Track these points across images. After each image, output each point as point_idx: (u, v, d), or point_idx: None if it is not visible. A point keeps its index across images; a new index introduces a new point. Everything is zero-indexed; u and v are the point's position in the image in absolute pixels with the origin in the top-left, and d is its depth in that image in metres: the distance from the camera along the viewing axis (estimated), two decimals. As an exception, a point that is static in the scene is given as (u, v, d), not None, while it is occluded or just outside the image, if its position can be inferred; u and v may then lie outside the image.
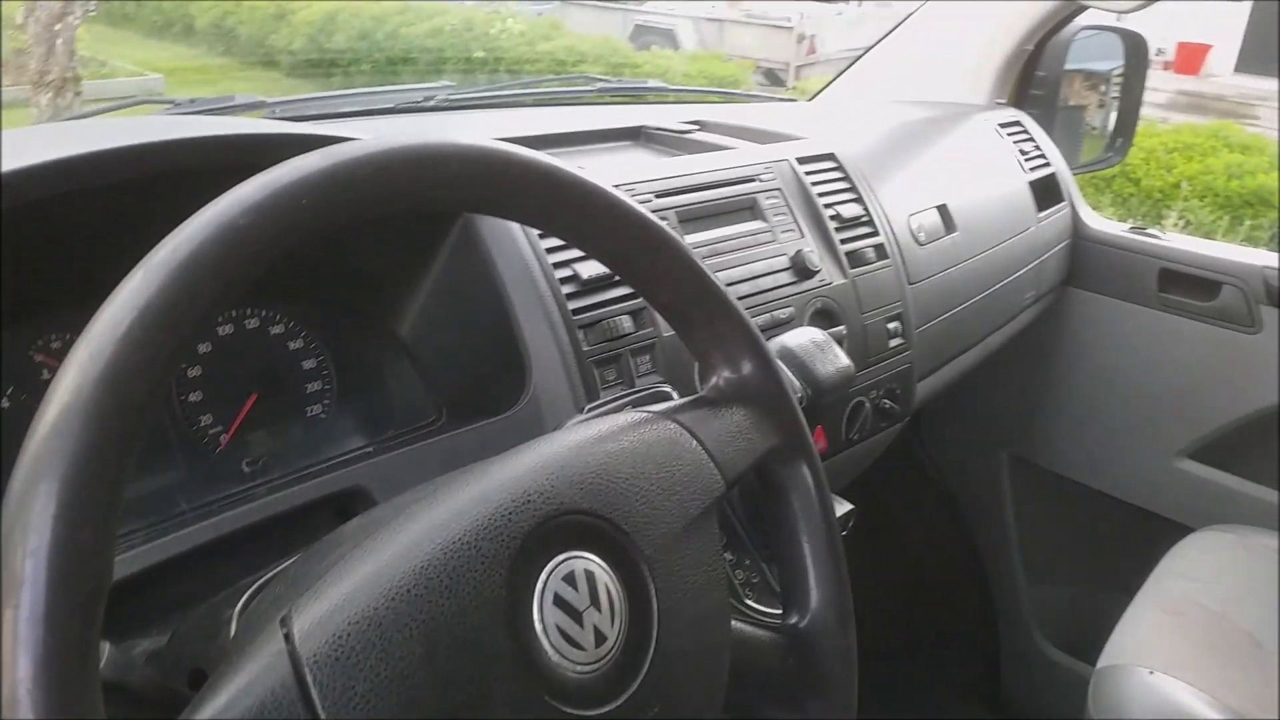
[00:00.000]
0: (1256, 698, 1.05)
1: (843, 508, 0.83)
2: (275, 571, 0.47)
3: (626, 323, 0.81)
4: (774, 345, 0.73)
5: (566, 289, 0.79)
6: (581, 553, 0.44)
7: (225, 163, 0.64)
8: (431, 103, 1.20)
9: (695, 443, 0.52)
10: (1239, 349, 1.47)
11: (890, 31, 1.67)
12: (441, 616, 0.39)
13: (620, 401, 0.68)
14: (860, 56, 1.68)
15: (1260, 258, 1.47)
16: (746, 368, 0.56)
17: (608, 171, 0.93)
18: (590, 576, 0.44)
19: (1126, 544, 1.43)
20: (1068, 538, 1.75)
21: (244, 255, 0.37)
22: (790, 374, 0.71)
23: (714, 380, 0.56)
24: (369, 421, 0.79)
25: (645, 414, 0.54)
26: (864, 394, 1.05)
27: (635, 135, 1.19)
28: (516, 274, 0.77)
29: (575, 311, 0.79)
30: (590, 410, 0.68)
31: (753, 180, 1.02)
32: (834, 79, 1.70)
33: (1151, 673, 1.04)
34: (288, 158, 0.40)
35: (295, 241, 0.38)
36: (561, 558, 0.44)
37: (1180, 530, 1.37)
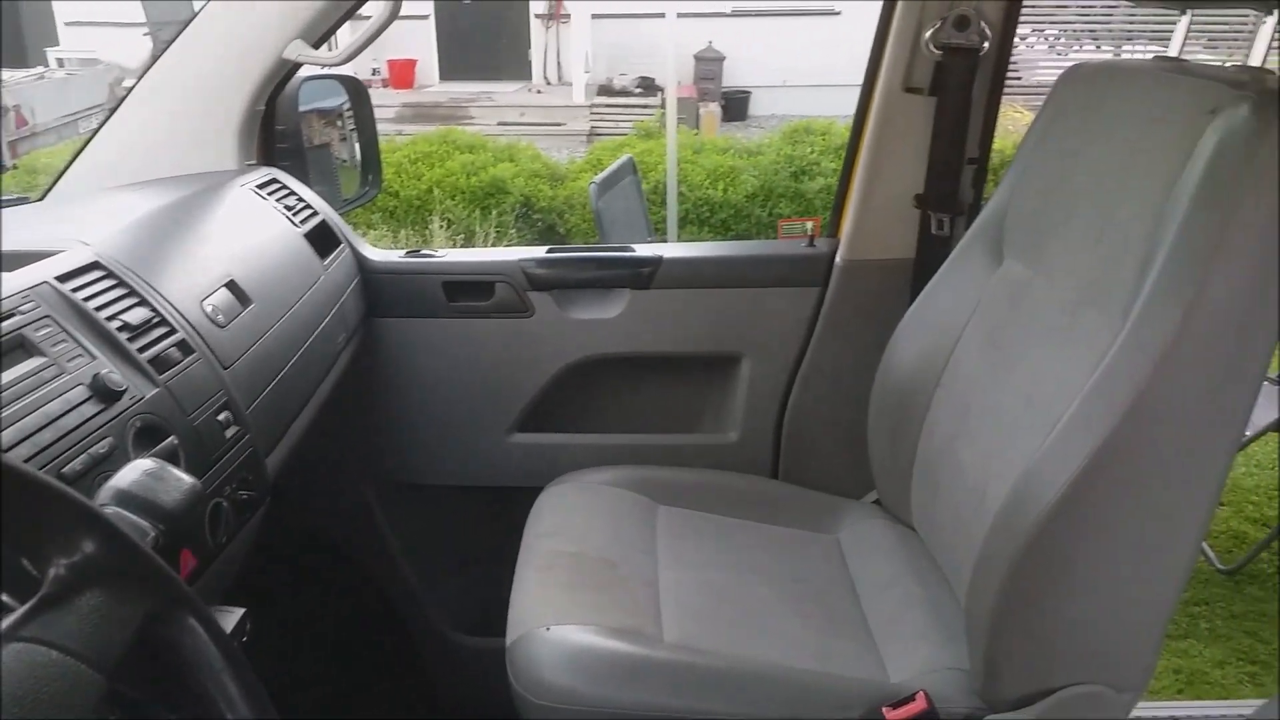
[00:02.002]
0: (628, 608, 1.28)
1: (234, 615, 0.81)
2: None
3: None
4: (106, 493, 0.67)
5: None
6: None
7: None
8: None
9: (54, 652, 0.47)
10: (524, 331, 1.72)
11: (116, 109, 1.57)
12: None
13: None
14: (89, 140, 1.56)
15: (516, 254, 1.74)
16: (87, 545, 0.51)
17: None
18: None
19: (498, 523, 1.61)
20: (452, 537, 1.90)
21: None
22: (136, 518, 0.66)
23: (52, 573, 0.50)
24: None
25: (-23, 646, 0.46)
26: (218, 494, 1.01)
27: None
28: None
29: None
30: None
31: (12, 315, 0.90)
32: (65, 168, 1.55)
33: (548, 629, 1.19)
34: None
35: None
36: None
37: (533, 494, 1.58)
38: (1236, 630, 2.48)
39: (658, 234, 5.08)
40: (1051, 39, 10.71)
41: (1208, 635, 2.46)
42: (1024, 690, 1.12)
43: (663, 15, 5.56)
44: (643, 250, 1.75)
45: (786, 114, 9.19)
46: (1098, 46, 10.76)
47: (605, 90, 10.72)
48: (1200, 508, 1.05)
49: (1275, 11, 1.25)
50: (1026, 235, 1.33)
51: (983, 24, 1.51)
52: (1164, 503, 1.04)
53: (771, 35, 10.77)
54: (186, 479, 0.70)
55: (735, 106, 10.60)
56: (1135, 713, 1.95)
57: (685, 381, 1.81)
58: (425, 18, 11.32)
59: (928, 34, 1.53)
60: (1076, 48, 10.69)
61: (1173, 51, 1.18)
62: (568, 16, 10.94)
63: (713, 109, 9.89)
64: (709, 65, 10.57)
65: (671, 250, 1.75)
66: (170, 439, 0.96)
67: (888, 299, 1.65)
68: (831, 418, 1.73)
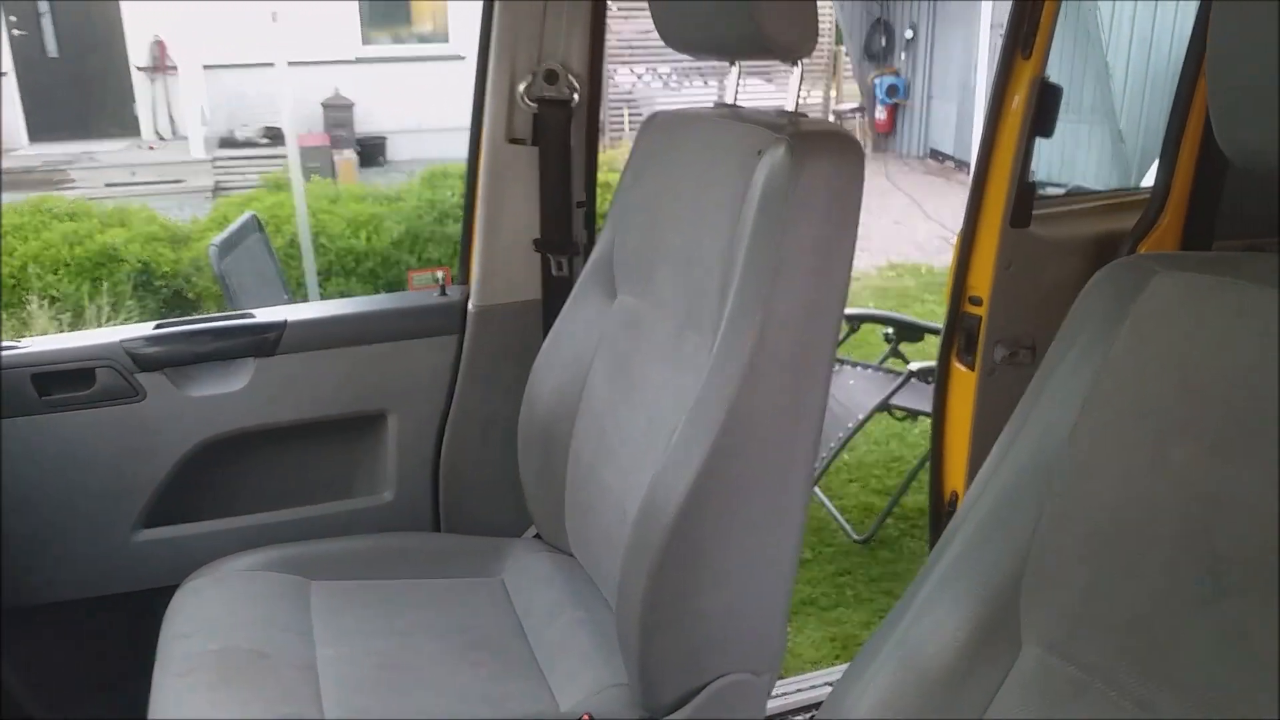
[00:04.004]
0: (283, 698, 1.21)
1: None
2: None
3: None
4: None
5: None
6: None
7: None
8: None
9: None
10: (136, 418, 1.58)
11: None
12: None
13: None
14: None
15: (118, 334, 1.59)
16: None
17: None
18: None
19: (135, 632, 1.46)
20: (82, 656, 1.69)
21: None
22: None
23: None
24: None
25: None
26: None
27: None
28: None
29: None
30: None
31: None
32: None
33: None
34: None
35: None
36: None
37: (172, 593, 1.45)
38: (876, 592, 2.80)
39: (298, 291, 4.87)
40: (665, 77, 11.60)
41: (853, 601, 2.76)
42: (678, 691, 1.19)
43: (272, 64, 5.36)
44: (264, 315, 1.67)
45: (426, 158, 9.17)
46: (705, 82, 11.81)
47: (228, 142, 10.09)
48: (797, 494, 1.18)
49: (799, 63, 1.48)
50: (633, 270, 1.43)
51: (571, 77, 1.61)
52: (767, 493, 1.17)
53: (401, 81, 10.73)
54: None
55: (371, 153, 10.41)
56: (797, 686, 2.16)
57: (330, 447, 1.75)
58: (3, 74, 10.04)
59: (521, 88, 1.61)
60: (687, 84, 11.66)
61: (728, 98, 1.35)
62: (175, 67, 10.20)
63: (348, 156, 9.64)
64: (338, 112, 10.31)
65: (297, 312, 1.69)
66: None
67: (523, 340, 1.70)
68: (485, 460, 1.75)
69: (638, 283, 1.42)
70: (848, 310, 3.53)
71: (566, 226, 1.69)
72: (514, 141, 1.63)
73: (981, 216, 1.74)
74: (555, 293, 1.69)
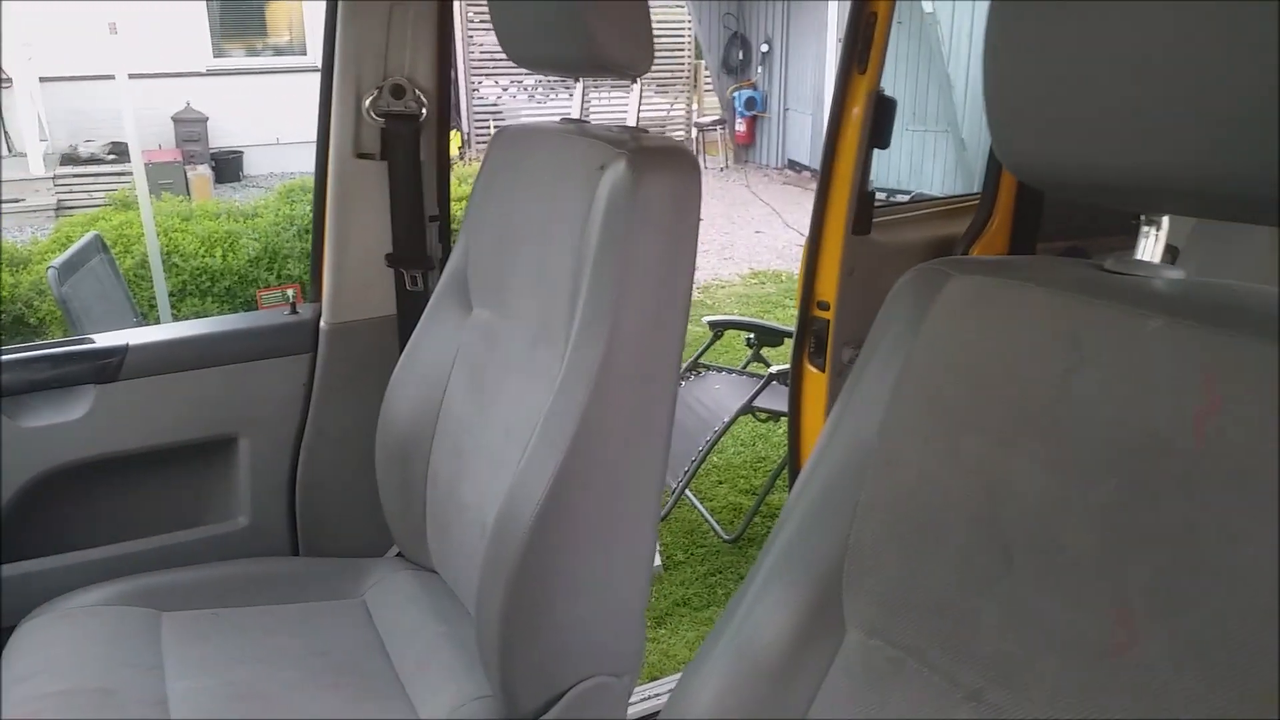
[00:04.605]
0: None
1: None
2: None
3: None
4: None
5: None
6: None
7: None
8: None
9: None
10: None
11: None
12: None
13: None
14: None
15: None
16: None
17: None
18: None
19: None
20: None
21: None
22: None
23: None
24: None
25: None
26: None
27: None
28: None
29: None
30: None
31: None
32: None
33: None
34: None
35: None
36: None
37: (8, 635, 1.37)
38: (745, 590, 2.87)
39: (150, 314, 4.66)
40: (530, 89, 11.59)
41: (725, 600, 2.82)
42: (541, 698, 1.21)
43: (113, 77, 5.11)
44: (104, 340, 1.61)
45: (285, 172, 8.93)
46: (570, 95, 11.83)
47: (70, 159, 9.55)
48: (649, 500, 1.21)
49: (638, 80, 1.53)
50: (487, 283, 1.44)
51: (418, 91, 1.61)
52: (620, 500, 1.20)
53: (258, 93, 10.38)
54: None
55: (227, 168, 10.03)
56: (668, 686, 2.20)
57: (179, 474, 1.69)
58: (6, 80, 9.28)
59: (367, 102, 1.60)
60: (553, 96, 11.68)
61: (574, 113, 1.39)
62: (8, 80, 9.59)
63: (202, 171, 9.27)
64: (191, 126, 9.89)
65: (140, 336, 1.63)
66: None
67: (379, 356, 1.69)
68: (344, 481, 1.73)
69: (492, 296, 1.43)
70: (712, 317, 3.64)
71: (420, 241, 1.68)
72: (362, 156, 1.62)
73: (826, 225, 1.81)
74: (410, 308, 1.68)
